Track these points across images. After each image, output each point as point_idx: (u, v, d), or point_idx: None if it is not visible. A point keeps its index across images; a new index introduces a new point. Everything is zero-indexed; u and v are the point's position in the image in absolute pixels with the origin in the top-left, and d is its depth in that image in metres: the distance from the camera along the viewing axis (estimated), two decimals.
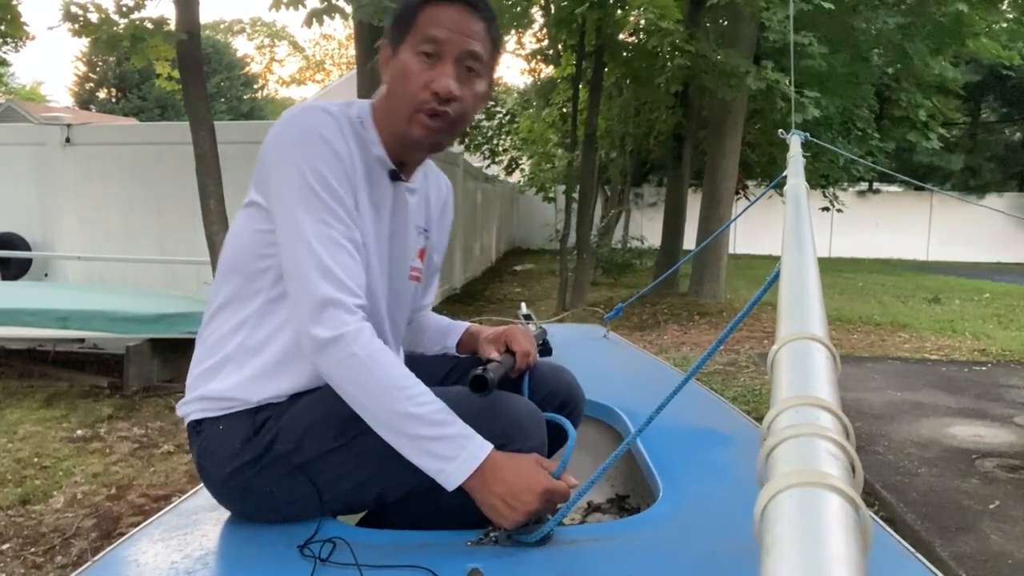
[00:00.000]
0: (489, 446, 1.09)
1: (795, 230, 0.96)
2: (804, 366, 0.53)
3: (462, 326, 1.52)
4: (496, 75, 1.32)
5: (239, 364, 1.20)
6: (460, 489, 1.09)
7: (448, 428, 1.08)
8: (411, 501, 1.19)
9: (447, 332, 1.52)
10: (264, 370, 1.19)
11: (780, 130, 2.41)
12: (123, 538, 1.16)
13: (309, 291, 1.11)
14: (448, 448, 1.07)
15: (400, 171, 1.28)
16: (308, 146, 1.15)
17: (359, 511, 1.27)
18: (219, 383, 1.20)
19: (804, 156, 1.77)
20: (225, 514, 1.23)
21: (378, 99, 1.27)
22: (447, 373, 1.44)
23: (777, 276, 0.86)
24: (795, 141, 1.90)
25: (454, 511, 1.14)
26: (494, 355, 1.36)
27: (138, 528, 1.19)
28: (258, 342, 1.20)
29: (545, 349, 2.06)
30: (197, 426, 1.22)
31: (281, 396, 1.20)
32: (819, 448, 0.42)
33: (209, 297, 1.27)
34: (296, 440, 1.15)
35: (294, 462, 1.15)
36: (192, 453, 1.25)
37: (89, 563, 1.09)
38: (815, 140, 2.46)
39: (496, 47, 1.26)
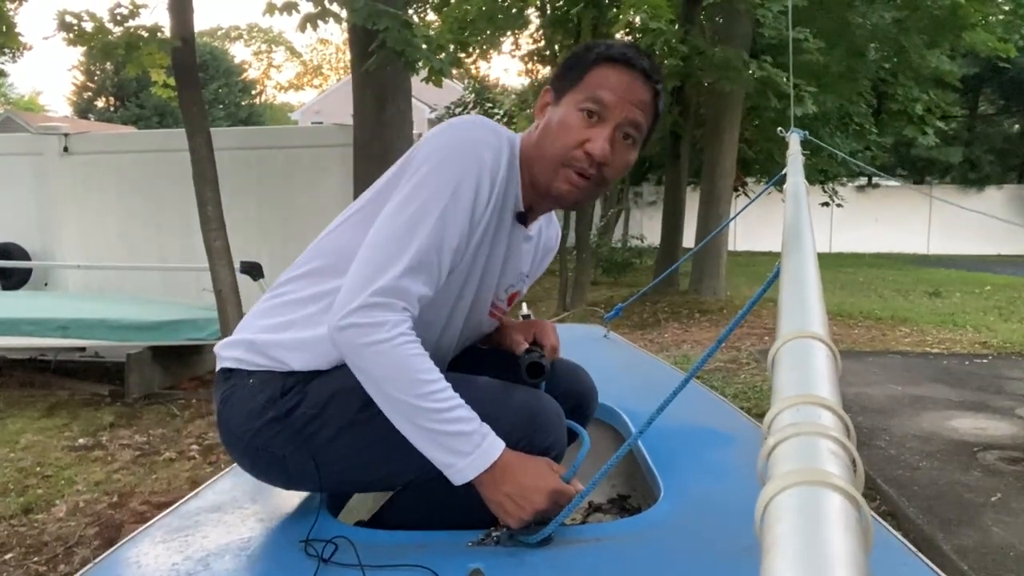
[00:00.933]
0: (502, 445, 1.09)
1: (795, 228, 0.96)
2: (805, 365, 0.53)
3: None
4: (651, 139, 1.29)
5: (299, 331, 1.19)
6: (468, 485, 1.09)
7: (465, 425, 1.07)
8: (416, 496, 1.19)
9: None
10: (318, 344, 1.17)
11: (779, 128, 2.41)
12: (124, 540, 1.16)
13: (376, 276, 1.08)
14: (462, 444, 1.06)
15: (526, 215, 1.27)
16: (471, 155, 1.13)
17: (360, 490, 1.29)
18: (271, 336, 1.20)
19: (804, 153, 1.77)
20: (227, 515, 1.23)
21: (528, 139, 1.24)
22: (455, 364, 1.44)
23: (777, 275, 0.86)
24: (794, 139, 1.90)
25: (461, 507, 1.14)
26: (525, 346, 1.37)
27: (139, 530, 1.19)
28: (322, 317, 1.18)
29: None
30: (228, 374, 1.22)
31: (318, 368, 1.19)
32: (820, 447, 0.42)
33: (299, 259, 1.26)
34: (321, 405, 1.14)
35: (310, 430, 1.14)
36: (215, 399, 1.25)
37: (91, 565, 1.09)
38: (814, 139, 2.46)
39: (658, 117, 1.24)
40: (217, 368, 1.26)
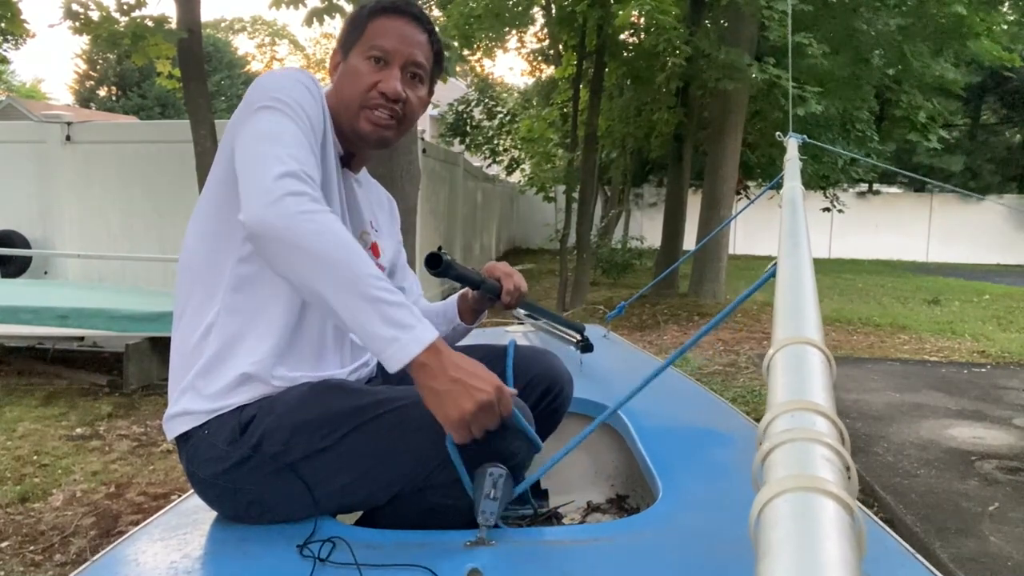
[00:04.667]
0: (435, 330, 1.05)
1: (791, 233, 0.96)
2: (800, 370, 0.53)
3: (455, 299, 1.56)
4: (435, 83, 1.41)
5: (213, 371, 1.18)
6: (450, 487, 1.09)
7: (403, 299, 1.04)
8: (402, 504, 1.18)
9: (446, 310, 1.55)
10: (239, 372, 1.18)
11: (778, 132, 2.41)
12: (123, 537, 1.16)
13: (265, 168, 1.07)
14: (406, 316, 1.02)
15: (350, 160, 1.34)
16: (286, 82, 1.20)
17: (350, 511, 1.26)
18: (197, 392, 1.19)
19: (802, 158, 1.77)
20: None
21: (328, 95, 1.32)
22: None
23: (772, 274, 0.86)
24: (792, 144, 1.89)
25: (443, 512, 1.14)
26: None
27: (138, 528, 1.19)
28: (224, 346, 1.19)
29: (586, 346, 2.10)
30: (184, 437, 1.21)
31: (260, 395, 1.18)
32: (815, 453, 0.42)
33: (175, 303, 1.26)
34: (284, 442, 1.14)
35: (283, 462, 1.14)
36: (182, 463, 1.24)
37: (89, 562, 1.09)
38: (813, 142, 2.46)
39: (437, 59, 1.36)
40: (171, 439, 1.24)
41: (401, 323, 1.01)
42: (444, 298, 1.60)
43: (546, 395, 1.38)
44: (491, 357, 1.43)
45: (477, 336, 1.51)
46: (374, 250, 1.40)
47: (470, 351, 1.42)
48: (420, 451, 1.12)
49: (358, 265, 1.02)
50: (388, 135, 1.31)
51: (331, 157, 1.27)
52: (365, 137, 1.29)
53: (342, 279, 1.01)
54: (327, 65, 1.38)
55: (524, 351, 1.43)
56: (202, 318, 1.20)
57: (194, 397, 1.19)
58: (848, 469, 0.42)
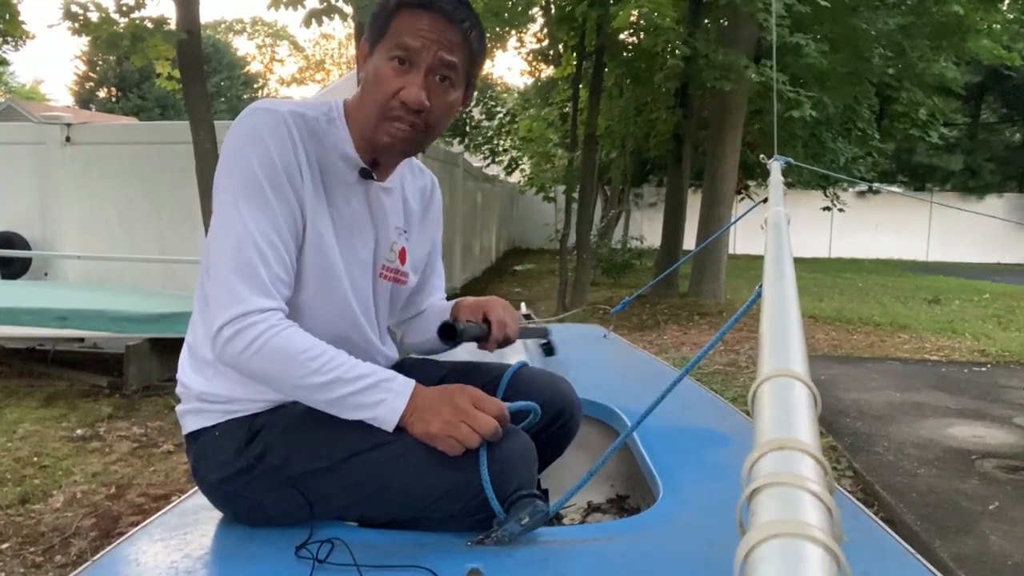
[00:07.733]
0: (412, 382, 1.10)
1: (776, 260, 0.94)
2: (786, 405, 0.53)
3: (453, 303, 1.51)
4: (477, 80, 1.29)
5: (219, 368, 1.19)
6: (447, 521, 1.10)
7: (368, 379, 1.09)
8: (400, 528, 1.17)
9: (444, 312, 1.50)
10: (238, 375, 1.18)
11: (762, 155, 2.39)
12: (123, 538, 1.16)
13: (224, 293, 1.10)
14: (373, 395, 1.09)
15: (374, 170, 1.26)
16: (245, 143, 1.14)
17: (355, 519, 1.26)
18: (208, 385, 1.20)
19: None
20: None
21: (352, 98, 1.25)
22: (441, 379, 1.42)
23: (759, 295, 0.86)
24: (775, 167, 1.86)
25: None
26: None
27: (138, 528, 1.19)
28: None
29: (548, 349, 2.06)
30: (194, 436, 1.22)
31: (275, 402, 1.19)
32: (802, 497, 0.42)
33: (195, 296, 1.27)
34: (284, 456, 1.14)
35: (284, 475, 1.14)
36: (188, 458, 1.25)
37: (89, 562, 1.09)
38: (797, 163, 2.45)
39: (475, 57, 1.22)
40: (184, 433, 1.25)
41: (371, 403, 1.09)
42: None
43: (556, 420, 1.34)
44: (498, 377, 1.40)
45: (485, 353, 1.49)
46: (401, 256, 1.36)
47: (476, 368, 1.41)
48: (419, 485, 1.10)
49: (313, 377, 1.08)
50: (408, 147, 1.23)
51: (344, 176, 1.23)
52: (385, 148, 1.22)
53: (308, 394, 1.11)
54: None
55: (534, 375, 1.39)
56: (202, 291, 1.21)
57: (205, 385, 1.20)
58: (832, 513, 0.42)
